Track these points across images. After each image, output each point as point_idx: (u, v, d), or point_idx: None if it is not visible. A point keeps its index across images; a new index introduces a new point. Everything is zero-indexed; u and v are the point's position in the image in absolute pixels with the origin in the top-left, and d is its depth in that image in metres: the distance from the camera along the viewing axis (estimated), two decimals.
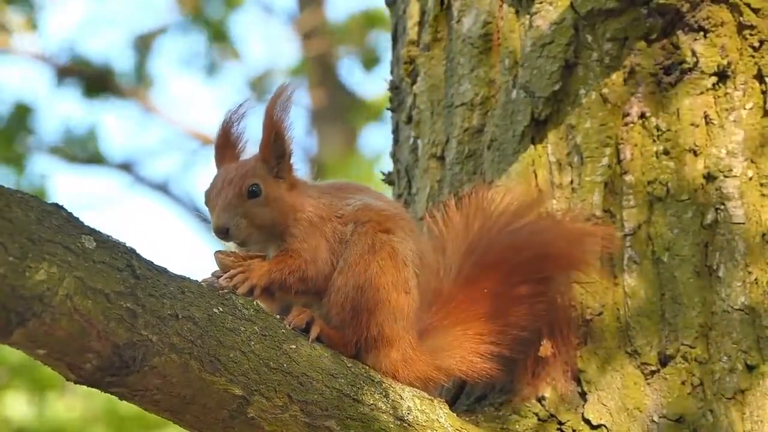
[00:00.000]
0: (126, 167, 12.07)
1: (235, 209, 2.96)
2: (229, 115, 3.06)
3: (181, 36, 11.97)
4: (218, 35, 11.79)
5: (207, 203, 3.01)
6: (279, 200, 2.99)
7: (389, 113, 3.79)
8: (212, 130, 3.15)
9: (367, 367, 2.97)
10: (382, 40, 11.65)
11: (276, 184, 3.01)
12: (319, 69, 11.84)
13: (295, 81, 3.04)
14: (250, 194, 2.98)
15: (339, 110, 11.93)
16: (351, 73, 12.48)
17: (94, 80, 11.43)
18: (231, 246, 3.05)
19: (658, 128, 3.31)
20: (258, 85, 12.08)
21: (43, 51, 11.30)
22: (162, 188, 12.11)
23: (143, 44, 11.61)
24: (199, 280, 2.90)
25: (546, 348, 3.18)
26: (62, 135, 11.42)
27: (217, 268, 2.99)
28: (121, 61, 11.72)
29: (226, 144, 3.08)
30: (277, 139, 3.02)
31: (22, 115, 11.08)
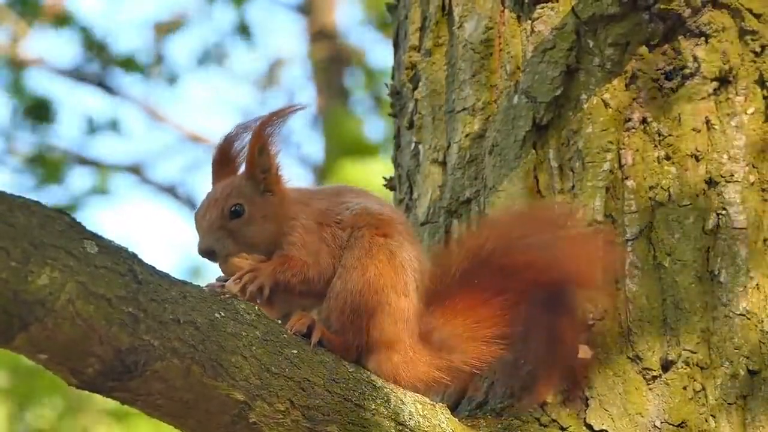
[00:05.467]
0: (134, 170, 12.08)
1: (218, 231, 2.98)
2: (231, 130, 3.07)
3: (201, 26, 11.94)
4: (242, 27, 11.82)
5: (195, 225, 3.02)
6: (266, 216, 3.01)
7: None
8: (218, 134, 3.15)
9: (369, 372, 2.97)
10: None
11: (263, 200, 3.02)
12: (326, 73, 11.86)
13: (298, 103, 3.02)
14: (232, 214, 2.99)
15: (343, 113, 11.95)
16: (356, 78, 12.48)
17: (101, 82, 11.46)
18: None
19: (659, 133, 3.31)
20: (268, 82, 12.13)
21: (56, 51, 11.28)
22: (170, 191, 12.12)
23: (162, 32, 11.59)
24: (203, 286, 2.92)
25: (585, 351, 3.17)
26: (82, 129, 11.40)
27: (221, 274, 3.00)
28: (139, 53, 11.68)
29: (223, 160, 3.09)
30: (262, 154, 3.02)
31: (41, 110, 11.04)
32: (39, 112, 10.95)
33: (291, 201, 3.05)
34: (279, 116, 3.02)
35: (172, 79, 11.77)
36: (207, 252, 2.98)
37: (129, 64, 11.43)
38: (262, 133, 3.02)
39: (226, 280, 2.96)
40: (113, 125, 11.43)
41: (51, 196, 11.18)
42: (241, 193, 3.01)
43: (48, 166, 11.13)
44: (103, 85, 11.62)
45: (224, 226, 2.98)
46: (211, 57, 11.95)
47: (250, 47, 12.08)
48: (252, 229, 3.00)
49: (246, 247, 2.99)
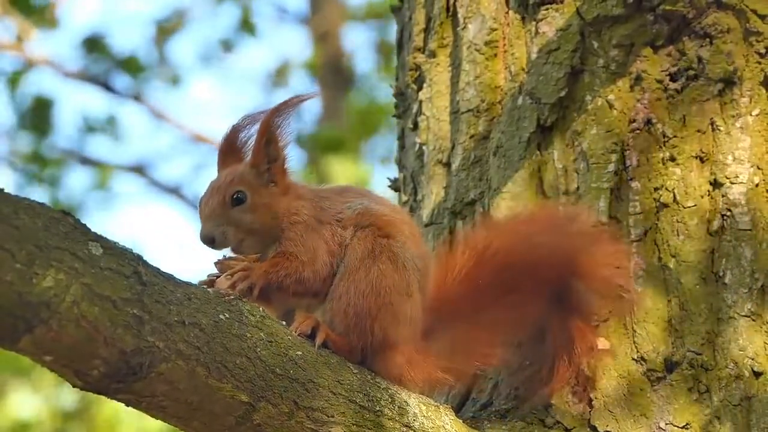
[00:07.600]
0: (139, 170, 12.08)
1: (219, 218, 2.97)
2: (239, 120, 3.07)
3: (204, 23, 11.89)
4: (246, 23, 11.81)
5: (198, 212, 3.02)
6: (268, 205, 3.00)
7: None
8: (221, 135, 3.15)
9: (374, 374, 2.97)
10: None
11: (266, 190, 3.02)
12: (330, 71, 11.86)
13: (307, 92, 3.00)
14: (234, 201, 2.99)
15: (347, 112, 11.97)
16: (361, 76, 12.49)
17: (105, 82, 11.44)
18: (228, 254, 3.07)
19: (664, 135, 3.31)
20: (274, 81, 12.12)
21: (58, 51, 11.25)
22: (174, 191, 12.12)
23: (164, 33, 11.58)
24: (197, 282, 2.92)
25: (604, 342, 3.17)
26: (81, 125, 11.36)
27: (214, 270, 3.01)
28: (142, 52, 11.67)
29: (230, 150, 3.08)
30: (270, 144, 3.02)
31: (42, 110, 10.99)
32: (40, 113, 10.91)
33: (294, 196, 3.04)
34: (288, 106, 3.02)
35: (174, 80, 11.75)
36: (207, 239, 2.97)
37: (131, 64, 11.41)
38: (272, 123, 3.01)
39: (217, 276, 2.97)
40: (111, 124, 11.40)
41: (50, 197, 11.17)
42: (244, 180, 3.01)
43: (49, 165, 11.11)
44: (106, 86, 11.61)
45: (225, 213, 2.98)
46: (214, 55, 11.95)
47: (255, 45, 12.08)
48: (253, 217, 2.99)
49: (246, 235, 2.99)
